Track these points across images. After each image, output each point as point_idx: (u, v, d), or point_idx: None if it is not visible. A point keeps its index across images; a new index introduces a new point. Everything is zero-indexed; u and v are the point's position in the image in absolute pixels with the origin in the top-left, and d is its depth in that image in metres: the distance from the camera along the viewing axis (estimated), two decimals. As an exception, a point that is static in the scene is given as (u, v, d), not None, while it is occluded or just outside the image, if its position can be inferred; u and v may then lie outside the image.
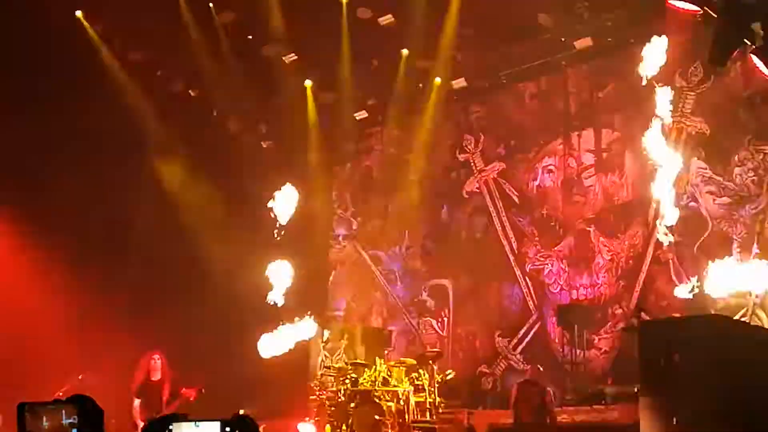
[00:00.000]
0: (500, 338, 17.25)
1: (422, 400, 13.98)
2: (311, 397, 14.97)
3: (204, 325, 16.47)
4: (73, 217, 15.55)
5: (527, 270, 17.19)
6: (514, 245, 17.46)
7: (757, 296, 13.65)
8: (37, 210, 15.18)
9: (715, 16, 12.41)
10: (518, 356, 16.73)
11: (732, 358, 8.30)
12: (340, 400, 14.31)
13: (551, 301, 16.73)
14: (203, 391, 12.21)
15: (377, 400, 13.67)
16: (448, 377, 14.73)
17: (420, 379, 14.25)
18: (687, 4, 12.80)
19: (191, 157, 17.49)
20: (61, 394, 11.79)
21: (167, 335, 15.01)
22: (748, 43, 12.20)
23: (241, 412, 6.18)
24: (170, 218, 16.95)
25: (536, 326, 16.85)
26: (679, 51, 14.93)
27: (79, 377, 13.04)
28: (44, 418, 4.81)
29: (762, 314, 13.38)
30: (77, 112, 15.16)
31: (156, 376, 11.65)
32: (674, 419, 8.15)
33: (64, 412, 4.82)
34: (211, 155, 17.86)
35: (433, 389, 14.10)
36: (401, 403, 13.74)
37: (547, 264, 16.96)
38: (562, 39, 16.22)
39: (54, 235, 15.08)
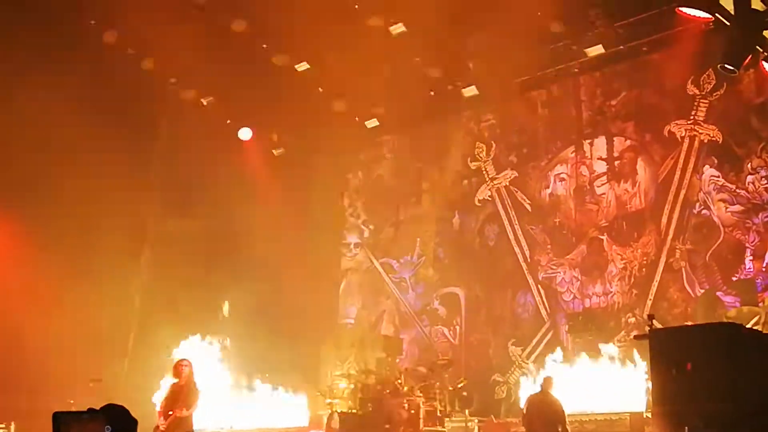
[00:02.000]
0: (513, 347, 17.18)
1: (433, 408, 13.98)
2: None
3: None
4: (80, 223, 15.64)
5: (540, 278, 17.14)
6: (527, 253, 17.42)
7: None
8: (45, 214, 15.25)
9: (727, 23, 12.37)
10: (532, 365, 16.62)
11: (744, 366, 8.23)
12: (350, 407, 14.34)
13: (564, 309, 16.66)
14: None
15: (388, 408, 13.68)
16: (459, 386, 14.74)
17: (431, 387, 14.24)
18: (698, 12, 12.78)
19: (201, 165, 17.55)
20: (72, 402, 11.85)
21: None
22: (760, 50, 12.18)
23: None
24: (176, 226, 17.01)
25: (549, 334, 16.77)
26: (691, 59, 14.96)
27: (90, 384, 13.07)
28: (77, 428, 4.80)
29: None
30: (92, 116, 15.25)
31: (180, 381, 11.79)
32: (686, 428, 8.08)
33: (97, 422, 4.81)
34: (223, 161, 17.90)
35: (443, 397, 14.10)
36: (412, 410, 13.74)
37: (559, 272, 16.92)
38: (574, 47, 16.17)
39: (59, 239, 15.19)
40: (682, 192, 15.56)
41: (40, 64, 14.35)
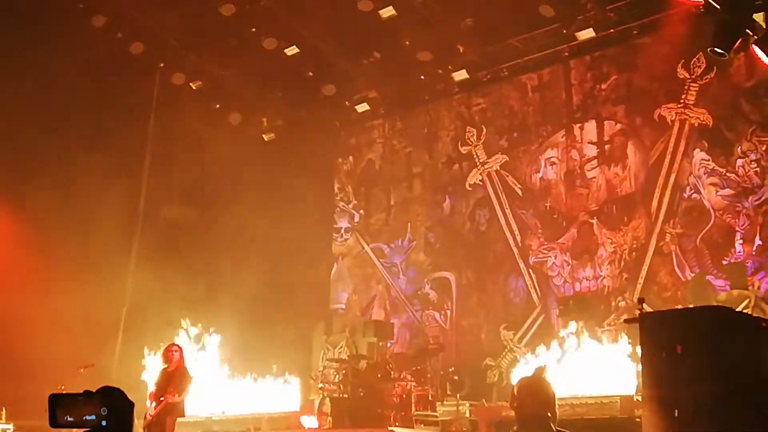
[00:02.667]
0: (505, 331, 17.21)
1: (424, 392, 14.01)
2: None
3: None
4: (71, 208, 15.59)
5: (531, 262, 17.15)
6: (518, 237, 17.42)
7: (759, 288, 13.63)
8: (35, 199, 15.21)
9: (718, 6, 12.35)
10: (523, 349, 16.64)
11: (734, 349, 8.26)
12: (342, 392, 14.37)
13: (555, 293, 16.70)
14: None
15: (379, 393, 13.70)
16: (450, 370, 14.77)
17: (422, 371, 14.26)
18: (688, -6, 12.77)
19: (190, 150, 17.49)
20: (63, 387, 11.83)
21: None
22: (751, 33, 12.16)
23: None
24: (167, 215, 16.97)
25: (540, 318, 16.81)
26: (681, 42, 14.94)
27: (81, 370, 13.05)
28: (73, 410, 4.81)
29: (765, 306, 13.34)
30: (81, 101, 15.19)
31: (170, 367, 11.76)
32: (676, 411, 8.10)
33: (93, 404, 4.81)
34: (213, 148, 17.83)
35: (435, 382, 14.13)
36: (403, 395, 13.76)
37: (550, 256, 16.93)
38: (565, 30, 16.14)
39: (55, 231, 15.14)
40: (672, 176, 15.57)
41: (28, 50, 14.28)
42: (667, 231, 15.48)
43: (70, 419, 4.72)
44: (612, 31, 15.91)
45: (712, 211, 15.01)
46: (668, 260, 15.39)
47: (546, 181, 17.28)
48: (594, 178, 16.59)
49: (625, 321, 11.98)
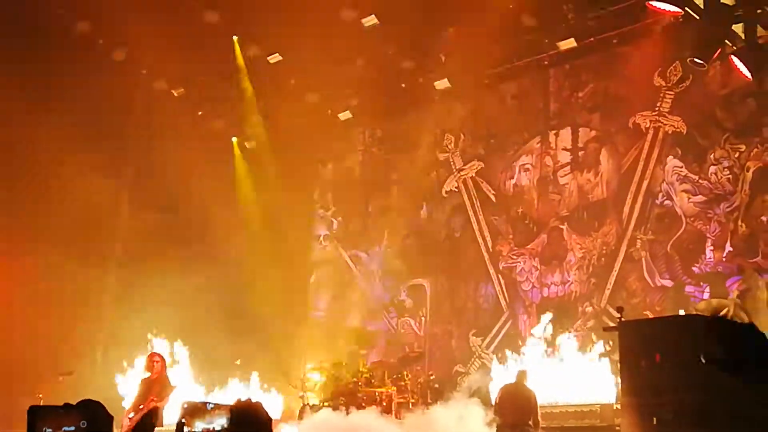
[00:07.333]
0: (474, 337, 17.26)
1: (405, 400, 14.02)
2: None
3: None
4: (50, 216, 15.51)
5: (501, 268, 17.19)
6: (489, 244, 17.46)
7: (738, 297, 13.77)
8: (14, 205, 15.13)
9: (698, 17, 12.50)
10: (491, 355, 16.67)
11: (713, 357, 8.37)
12: (323, 400, 14.38)
13: (522, 299, 16.78)
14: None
15: (360, 401, 13.72)
16: (431, 377, 14.80)
17: (402, 379, 14.28)
18: (668, 5, 12.89)
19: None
20: (41, 396, 11.80)
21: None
22: (730, 44, 12.33)
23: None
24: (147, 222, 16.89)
25: (508, 324, 16.87)
26: (659, 51, 15.10)
27: (60, 378, 13.02)
28: (54, 423, 4.85)
29: (743, 315, 13.48)
30: (62, 108, 15.12)
31: (152, 375, 11.83)
32: (654, 419, 8.21)
33: (73, 416, 4.85)
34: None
35: (415, 390, 14.15)
36: (384, 403, 13.78)
37: (519, 262, 16.98)
38: (546, 40, 16.25)
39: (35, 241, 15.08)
40: (645, 182, 15.64)
41: (8, 59, 14.22)
42: (637, 237, 15.56)
43: (48, 431, 4.76)
44: (592, 39, 15.99)
45: (683, 217, 15.10)
46: (638, 266, 15.45)
47: (519, 188, 17.33)
48: (566, 184, 16.65)
49: (605, 329, 12.11)
